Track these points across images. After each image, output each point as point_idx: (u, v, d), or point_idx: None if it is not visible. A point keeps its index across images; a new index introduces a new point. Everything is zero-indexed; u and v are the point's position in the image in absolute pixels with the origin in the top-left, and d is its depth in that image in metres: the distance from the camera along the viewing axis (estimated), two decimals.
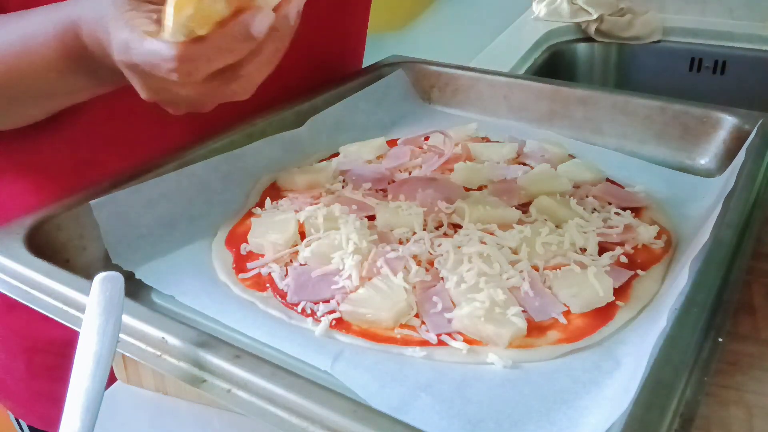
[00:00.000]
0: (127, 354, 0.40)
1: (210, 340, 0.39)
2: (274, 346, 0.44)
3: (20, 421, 0.78)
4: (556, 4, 1.41)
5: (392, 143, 0.72)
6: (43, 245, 0.49)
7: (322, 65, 0.76)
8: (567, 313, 0.46)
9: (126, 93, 0.59)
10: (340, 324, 0.46)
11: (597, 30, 1.38)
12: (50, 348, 0.70)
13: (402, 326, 0.46)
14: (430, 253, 0.52)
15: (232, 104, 0.63)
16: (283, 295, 0.49)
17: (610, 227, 0.55)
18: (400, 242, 0.54)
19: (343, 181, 0.64)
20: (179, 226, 0.56)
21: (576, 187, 0.62)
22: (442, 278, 0.50)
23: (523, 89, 0.77)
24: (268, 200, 0.61)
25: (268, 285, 0.50)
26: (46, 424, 0.76)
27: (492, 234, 0.54)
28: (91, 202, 0.52)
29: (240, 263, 0.53)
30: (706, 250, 0.46)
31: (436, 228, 0.56)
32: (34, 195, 0.64)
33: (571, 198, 0.59)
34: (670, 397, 0.34)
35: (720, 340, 0.39)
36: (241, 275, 0.52)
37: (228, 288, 0.51)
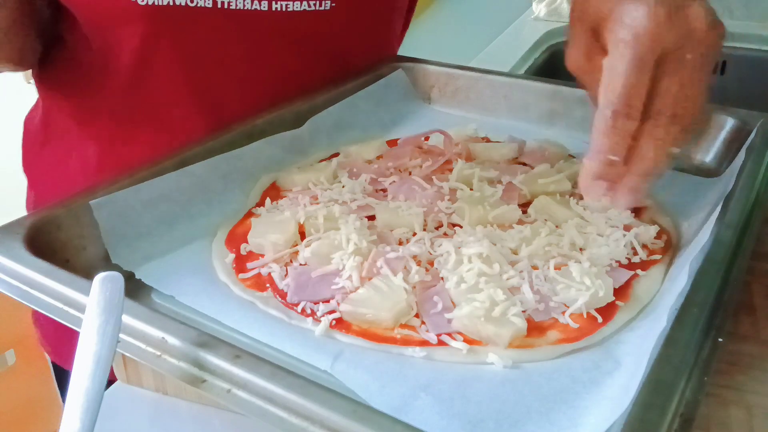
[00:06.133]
0: (127, 354, 0.40)
1: (210, 340, 0.39)
2: (274, 346, 0.44)
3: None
4: (556, 4, 1.41)
5: (392, 143, 0.72)
6: (43, 245, 0.49)
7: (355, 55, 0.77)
8: (567, 313, 0.46)
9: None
10: (340, 324, 0.46)
11: None
12: None
13: (402, 326, 0.46)
14: (430, 253, 0.52)
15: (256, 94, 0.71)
16: (283, 295, 0.49)
17: (610, 227, 0.55)
18: (400, 242, 0.54)
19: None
20: (179, 226, 0.56)
21: (576, 187, 0.62)
22: (442, 278, 0.50)
23: (523, 89, 0.77)
24: (268, 200, 0.61)
25: (268, 285, 0.50)
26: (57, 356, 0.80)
27: (492, 234, 0.54)
28: (91, 202, 0.52)
29: (240, 263, 0.53)
30: (706, 250, 0.46)
31: (436, 228, 0.56)
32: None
33: (571, 198, 0.59)
34: (670, 397, 0.34)
35: (720, 340, 0.39)
36: (241, 275, 0.52)
37: (228, 288, 0.51)
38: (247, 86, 0.70)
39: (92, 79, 0.69)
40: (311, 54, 0.72)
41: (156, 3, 0.62)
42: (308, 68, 0.73)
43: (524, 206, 0.59)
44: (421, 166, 0.66)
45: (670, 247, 0.54)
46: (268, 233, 0.54)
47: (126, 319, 0.40)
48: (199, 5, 0.63)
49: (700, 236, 0.50)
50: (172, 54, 0.66)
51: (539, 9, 1.43)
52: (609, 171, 0.45)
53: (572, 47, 0.50)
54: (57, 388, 0.81)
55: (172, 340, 0.39)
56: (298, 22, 0.68)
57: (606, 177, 0.45)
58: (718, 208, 0.51)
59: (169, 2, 0.62)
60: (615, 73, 0.43)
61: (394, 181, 0.64)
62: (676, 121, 0.43)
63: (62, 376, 0.82)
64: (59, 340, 0.76)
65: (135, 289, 0.50)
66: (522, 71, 1.20)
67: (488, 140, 0.73)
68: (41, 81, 0.75)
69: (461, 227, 0.56)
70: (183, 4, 0.63)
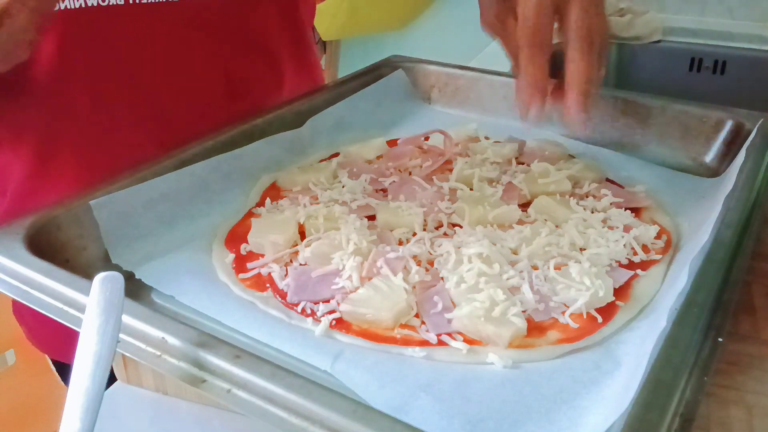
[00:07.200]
0: (127, 354, 0.40)
1: (210, 340, 0.39)
2: (274, 346, 0.44)
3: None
4: None
5: (392, 143, 0.72)
6: (43, 245, 0.49)
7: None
8: (567, 313, 0.46)
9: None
10: (340, 324, 0.46)
11: None
12: None
13: (402, 326, 0.46)
14: (430, 253, 0.52)
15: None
16: (283, 295, 0.49)
17: (610, 227, 0.55)
18: (400, 242, 0.54)
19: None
20: (179, 226, 0.56)
21: (576, 187, 0.62)
22: (442, 278, 0.50)
23: None
24: (268, 200, 0.61)
25: (268, 285, 0.50)
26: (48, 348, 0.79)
27: (492, 234, 0.54)
28: (91, 202, 0.52)
29: (240, 263, 0.53)
30: (706, 250, 0.46)
31: (436, 228, 0.56)
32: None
33: (571, 198, 0.59)
34: (670, 397, 0.34)
35: (720, 340, 0.39)
36: (241, 275, 0.52)
37: (228, 288, 0.51)
38: (179, 83, 0.68)
39: (12, 92, 0.65)
40: (233, 42, 0.71)
41: (69, 6, 0.60)
42: (235, 59, 0.71)
43: (524, 206, 0.59)
44: (421, 166, 0.66)
45: (670, 247, 0.54)
46: (268, 233, 0.54)
47: (126, 319, 0.40)
48: (111, 3, 0.62)
49: (700, 236, 0.50)
50: (92, 60, 0.64)
51: None
52: (537, 97, 0.55)
53: (484, 11, 0.59)
54: (60, 380, 0.82)
55: (172, 340, 0.39)
56: (210, 7, 0.68)
57: (536, 100, 0.56)
58: (718, 208, 0.51)
59: (81, 4, 0.61)
60: (524, 18, 0.54)
61: (394, 181, 0.64)
62: (590, 49, 0.53)
63: (64, 368, 0.81)
64: (46, 334, 0.76)
65: (135, 289, 0.50)
66: None
67: (488, 140, 0.73)
68: None
69: (461, 227, 0.56)
70: (95, 4, 0.61)
